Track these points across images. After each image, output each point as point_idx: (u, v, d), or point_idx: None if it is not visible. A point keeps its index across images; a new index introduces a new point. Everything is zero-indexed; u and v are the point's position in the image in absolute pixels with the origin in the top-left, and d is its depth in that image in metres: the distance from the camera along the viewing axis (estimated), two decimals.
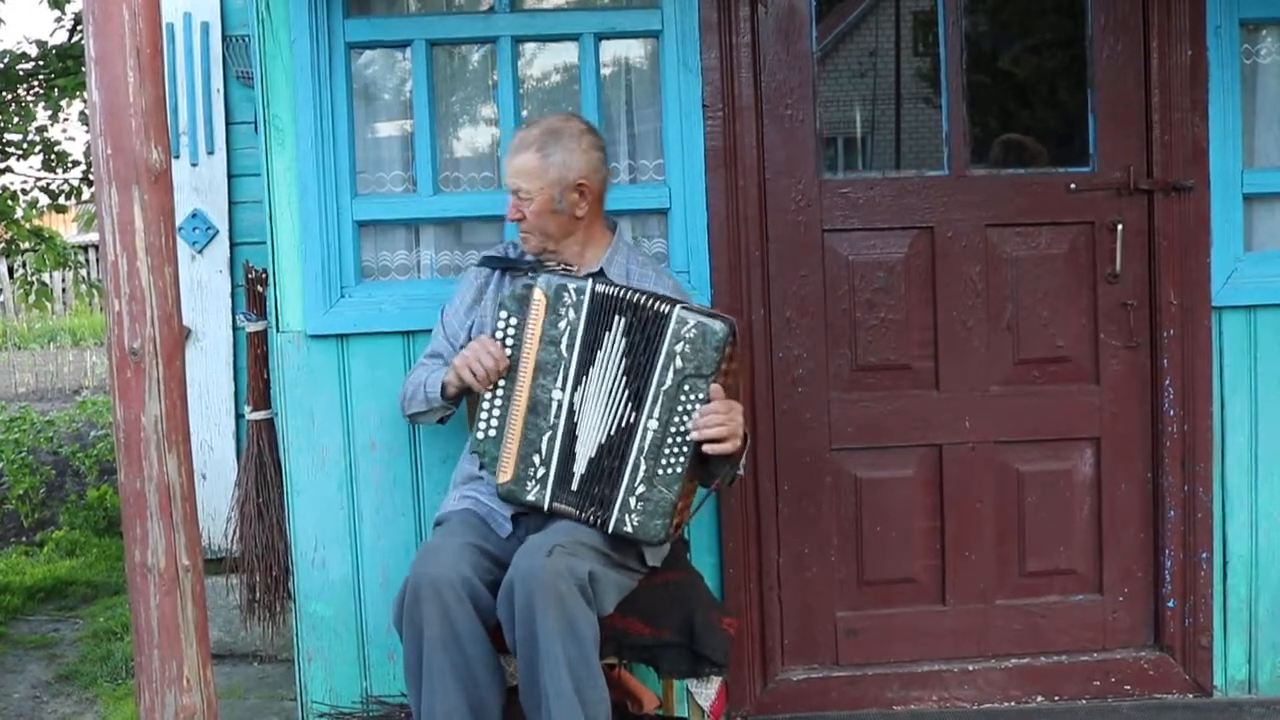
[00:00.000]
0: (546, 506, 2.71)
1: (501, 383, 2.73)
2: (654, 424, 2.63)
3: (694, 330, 2.60)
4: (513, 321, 2.72)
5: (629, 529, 2.64)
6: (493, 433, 2.74)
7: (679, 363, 2.61)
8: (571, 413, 2.70)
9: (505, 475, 2.72)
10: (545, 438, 2.70)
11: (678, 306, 2.63)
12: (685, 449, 2.62)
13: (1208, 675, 3.42)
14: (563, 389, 2.69)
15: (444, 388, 2.83)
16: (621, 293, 2.69)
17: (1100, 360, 3.43)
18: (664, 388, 2.62)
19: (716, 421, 2.60)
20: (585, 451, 2.69)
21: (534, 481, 2.71)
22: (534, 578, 2.50)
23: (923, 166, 3.56)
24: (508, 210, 2.88)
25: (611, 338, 2.67)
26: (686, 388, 2.61)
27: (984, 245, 3.40)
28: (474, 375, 2.72)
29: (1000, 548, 3.46)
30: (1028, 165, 3.50)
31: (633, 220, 3.33)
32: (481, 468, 2.79)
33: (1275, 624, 3.44)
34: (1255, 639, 3.44)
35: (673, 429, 2.62)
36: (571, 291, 2.69)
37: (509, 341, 2.72)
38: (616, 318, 2.67)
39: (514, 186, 2.84)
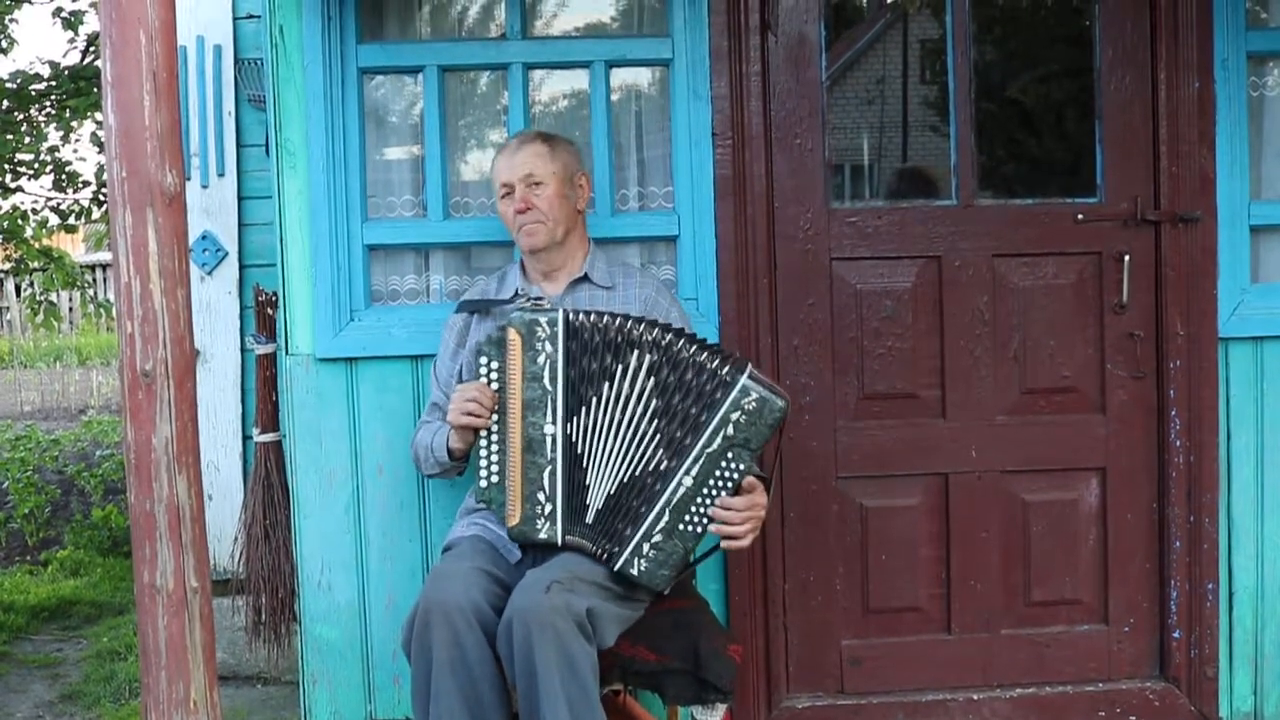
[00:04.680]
0: (560, 541, 2.72)
1: (495, 427, 2.74)
2: (689, 480, 2.64)
3: (755, 403, 2.60)
4: (494, 365, 2.74)
5: (634, 572, 2.66)
6: (495, 479, 2.75)
7: (731, 430, 2.61)
8: (571, 445, 2.70)
9: (514, 518, 2.73)
10: (545, 474, 2.71)
11: (744, 375, 2.62)
12: (710, 514, 2.65)
13: (1213, 707, 3.41)
14: (553, 422, 2.70)
15: (450, 452, 2.87)
16: (619, 324, 2.69)
17: (1106, 390, 3.43)
18: (709, 450, 2.62)
19: (738, 519, 2.63)
20: (603, 485, 2.70)
21: (543, 519, 2.72)
22: (531, 615, 2.50)
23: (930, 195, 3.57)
24: (515, 203, 2.90)
25: (629, 374, 2.67)
26: (730, 455, 2.61)
27: (991, 275, 3.40)
28: (472, 417, 2.72)
29: (1005, 577, 3.46)
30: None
31: (641, 247, 3.35)
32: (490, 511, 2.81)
33: None
34: (1261, 670, 3.43)
35: (705, 490, 2.63)
36: (544, 325, 2.70)
37: (494, 385, 2.74)
38: (634, 353, 2.67)
39: (525, 173, 2.89)
